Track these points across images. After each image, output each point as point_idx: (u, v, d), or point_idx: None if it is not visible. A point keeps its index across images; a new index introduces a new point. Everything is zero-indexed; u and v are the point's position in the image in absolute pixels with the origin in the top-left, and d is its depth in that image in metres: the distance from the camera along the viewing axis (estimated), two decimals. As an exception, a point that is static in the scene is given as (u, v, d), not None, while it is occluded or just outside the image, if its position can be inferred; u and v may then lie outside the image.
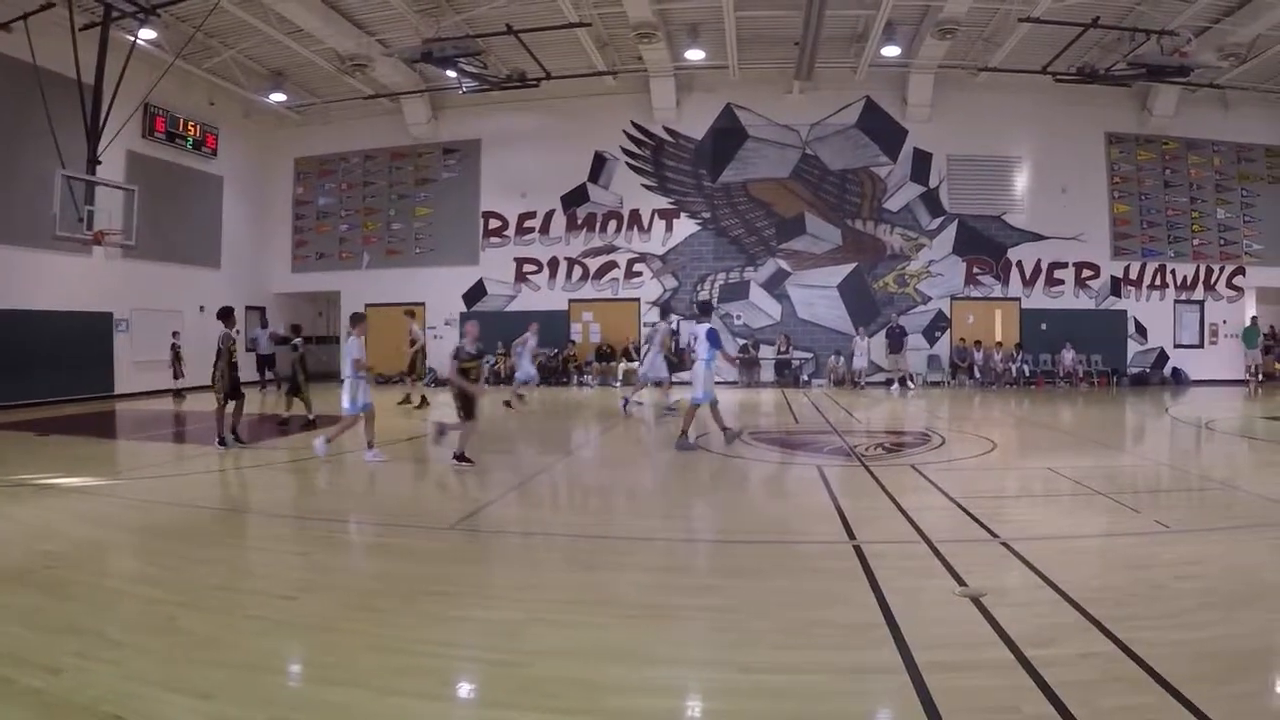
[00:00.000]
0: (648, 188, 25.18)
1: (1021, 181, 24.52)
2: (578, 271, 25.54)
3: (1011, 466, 11.02)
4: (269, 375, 21.83)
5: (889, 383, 22.73)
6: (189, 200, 23.69)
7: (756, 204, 24.74)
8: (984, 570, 5.69)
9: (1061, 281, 24.28)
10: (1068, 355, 23.69)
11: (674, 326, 22.01)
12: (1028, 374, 23.83)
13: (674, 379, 17.33)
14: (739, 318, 24.55)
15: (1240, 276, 24.25)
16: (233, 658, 4.27)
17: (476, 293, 25.94)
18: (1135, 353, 24.34)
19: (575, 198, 25.55)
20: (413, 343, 18.64)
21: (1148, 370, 24.10)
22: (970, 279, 24.37)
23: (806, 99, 24.17)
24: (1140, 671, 3.90)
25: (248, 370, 16.36)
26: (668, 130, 24.99)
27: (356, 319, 11.22)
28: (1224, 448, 12.96)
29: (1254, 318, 23.51)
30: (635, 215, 25.22)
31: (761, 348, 24.50)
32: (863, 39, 21.44)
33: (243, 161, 25.91)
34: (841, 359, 23.98)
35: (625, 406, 16.64)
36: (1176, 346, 24.33)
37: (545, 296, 25.42)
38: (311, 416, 14.71)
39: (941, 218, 24.31)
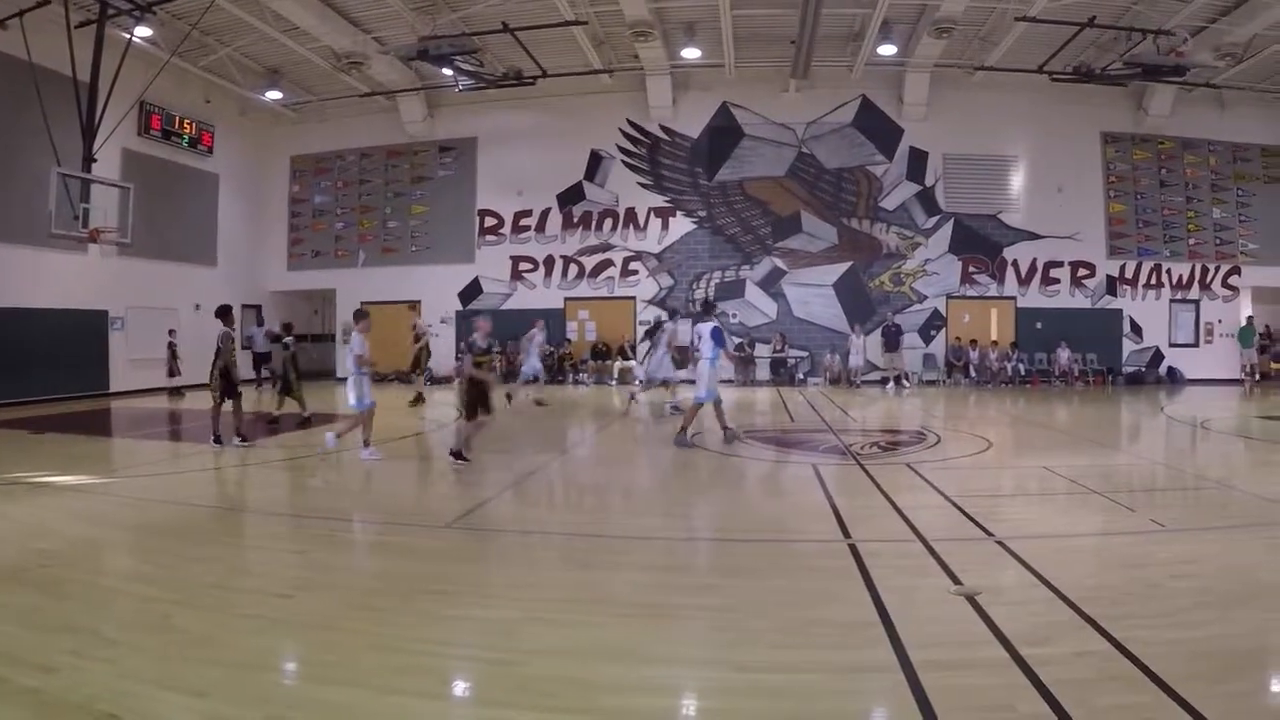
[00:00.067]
0: (644, 186, 25.17)
1: (1017, 180, 24.55)
2: (573, 270, 25.52)
3: (1007, 465, 11.04)
4: (264, 373, 21.79)
5: (885, 381, 22.73)
6: (185, 198, 23.62)
7: (752, 203, 24.74)
8: (979, 569, 5.70)
9: (1057, 280, 24.32)
10: (1063, 354, 23.71)
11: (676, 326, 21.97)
12: (1023, 373, 23.87)
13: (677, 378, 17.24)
14: (735, 316, 24.52)
15: (1236, 276, 24.30)
16: (228, 656, 4.26)
17: (472, 291, 25.91)
18: (1130, 352, 24.39)
19: (571, 196, 25.52)
20: (417, 338, 18.61)
21: (1143, 369, 24.15)
22: (966, 278, 24.40)
23: (802, 98, 24.17)
24: (1135, 670, 3.90)
25: (244, 368, 16.31)
26: (664, 129, 24.98)
27: (360, 316, 11.23)
28: (1219, 447, 12.97)
29: (1250, 317, 23.55)
30: (631, 214, 25.20)
31: (757, 346, 24.49)
32: (859, 38, 21.43)
33: (239, 159, 25.85)
34: (837, 356, 24.00)
35: (631, 399, 16.60)
36: (1172, 346, 24.38)
37: (541, 295, 25.38)
38: (306, 414, 14.68)
39: (937, 216, 24.32)
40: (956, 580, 5.38)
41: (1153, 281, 24.27)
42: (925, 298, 24.45)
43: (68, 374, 19.56)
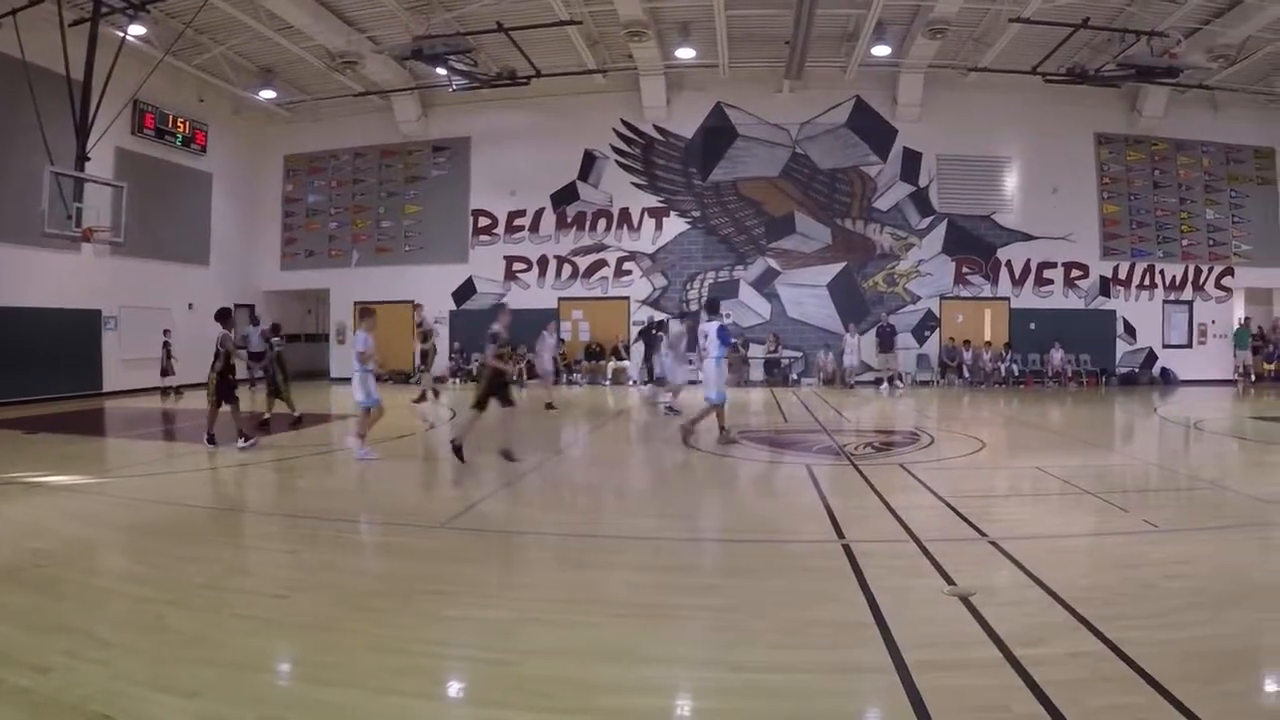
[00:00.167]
0: (637, 186, 25.16)
1: (1011, 181, 24.60)
2: (567, 270, 25.50)
3: (1000, 466, 11.07)
4: (258, 373, 21.75)
5: (878, 382, 22.75)
6: (178, 197, 23.56)
7: (746, 203, 24.75)
8: (973, 569, 5.71)
9: (1050, 281, 24.37)
10: (1056, 355, 23.78)
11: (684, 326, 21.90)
12: (1016, 373, 23.92)
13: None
14: (729, 316, 24.50)
15: (1229, 277, 24.39)
16: (222, 656, 4.25)
17: (466, 291, 25.87)
18: (1124, 352, 24.46)
19: (565, 196, 25.50)
20: (425, 336, 18.57)
21: (1136, 370, 24.22)
22: (959, 278, 24.44)
23: (796, 98, 24.18)
24: (1129, 670, 3.91)
25: (240, 368, 16.28)
26: (658, 129, 24.98)
27: (366, 313, 11.24)
28: (1212, 447, 13.01)
29: (1246, 319, 23.65)
30: (625, 214, 25.19)
31: (751, 346, 24.50)
32: (853, 38, 21.45)
33: (232, 159, 25.78)
34: (831, 354, 24.03)
35: (667, 410, 16.06)
36: (1165, 346, 24.45)
37: (535, 295, 25.32)
38: (297, 414, 14.69)
39: (931, 217, 24.36)
40: (950, 581, 5.39)
41: (1146, 282, 24.33)
42: (919, 298, 24.48)
43: (61, 374, 19.49)
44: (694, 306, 23.25)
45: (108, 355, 21.12)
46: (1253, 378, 23.23)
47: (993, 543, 6.39)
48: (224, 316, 12.26)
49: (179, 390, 20.71)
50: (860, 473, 9.72)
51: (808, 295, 24.62)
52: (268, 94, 24.00)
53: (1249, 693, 3.91)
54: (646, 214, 25.12)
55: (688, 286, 24.81)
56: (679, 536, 7.12)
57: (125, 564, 6.28)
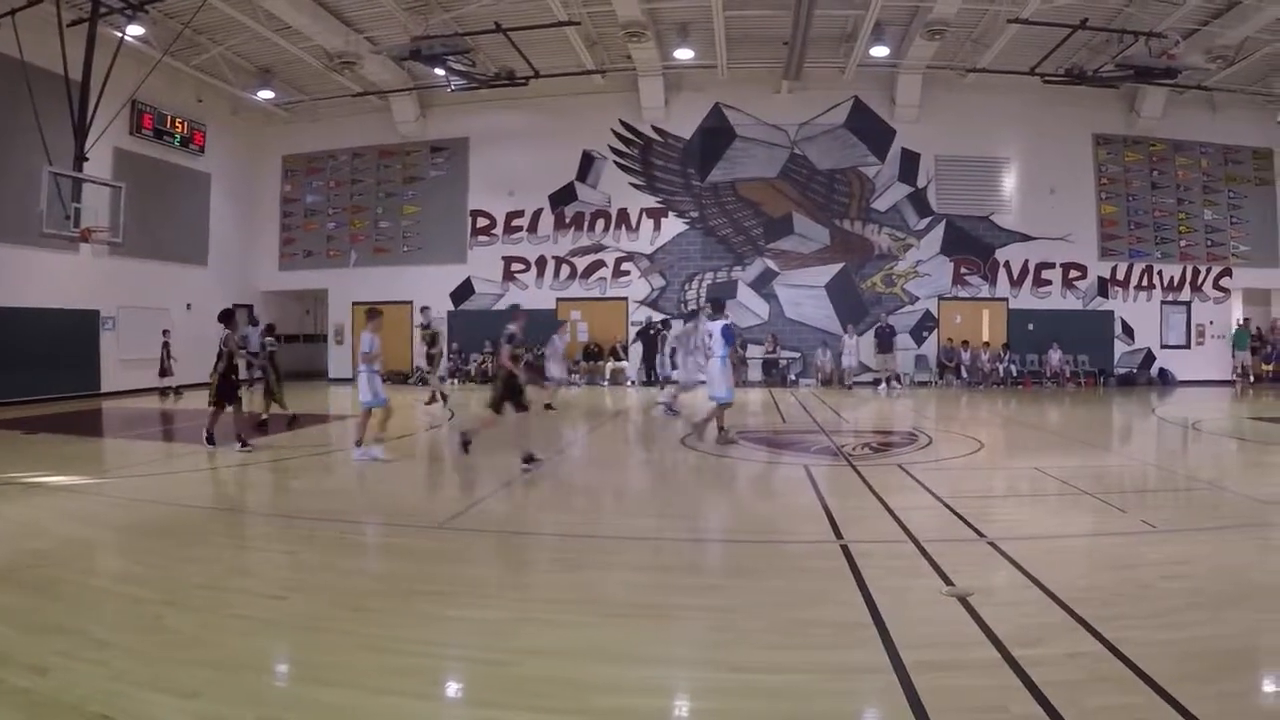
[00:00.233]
0: (636, 187, 25.16)
1: (1009, 182, 24.61)
2: (565, 270, 25.49)
3: (998, 466, 11.07)
4: (255, 373, 21.72)
5: (877, 382, 22.74)
6: (176, 197, 23.53)
7: (744, 203, 24.75)
8: (971, 570, 5.71)
9: (1049, 282, 24.38)
10: (1055, 355, 23.78)
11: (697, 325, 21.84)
12: (1015, 374, 23.92)
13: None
14: (727, 317, 24.47)
15: (1227, 278, 24.41)
16: (220, 657, 4.25)
17: (464, 291, 25.86)
18: (1122, 353, 24.47)
19: (563, 196, 25.49)
20: (433, 339, 18.55)
21: (1134, 371, 24.24)
22: (958, 279, 24.45)
23: (795, 99, 24.18)
24: (1127, 671, 3.92)
25: (243, 368, 16.30)
26: (656, 129, 24.98)
27: (372, 314, 11.23)
28: (1211, 448, 13.02)
29: (1245, 320, 23.67)
30: (623, 214, 25.18)
31: (749, 347, 24.49)
32: (851, 39, 21.46)
33: (230, 159, 25.76)
34: (829, 355, 24.03)
35: (677, 413, 15.85)
36: (1163, 347, 24.46)
37: (533, 295, 25.23)
38: (291, 414, 14.71)
39: (929, 218, 24.37)
40: (948, 581, 5.39)
41: (1144, 283, 24.34)
42: (917, 299, 24.49)
43: (59, 374, 19.47)
44: (692, 307, 23.26)
45: (106, 355, 21.09)
46: (1251, 378, 23.24)
47: (991, 543, 6.40)
48: (227, 317, 12.27)
49: (178, 390, 20.70)
50: (858, 473, 9.71)
51: (806, 296, 24.62)
52: (266, 94, 23.99)
53: (1247, 693, 3.91)
54: (645, 214, 25.12)
55: (686, 287, 24.81)
56: (677, 537, 7.12)
57: (124, 564, 6.28)
